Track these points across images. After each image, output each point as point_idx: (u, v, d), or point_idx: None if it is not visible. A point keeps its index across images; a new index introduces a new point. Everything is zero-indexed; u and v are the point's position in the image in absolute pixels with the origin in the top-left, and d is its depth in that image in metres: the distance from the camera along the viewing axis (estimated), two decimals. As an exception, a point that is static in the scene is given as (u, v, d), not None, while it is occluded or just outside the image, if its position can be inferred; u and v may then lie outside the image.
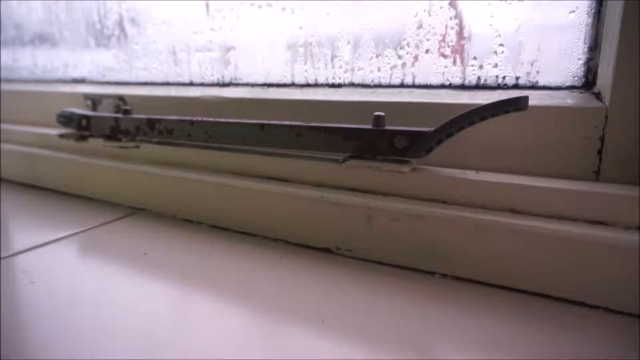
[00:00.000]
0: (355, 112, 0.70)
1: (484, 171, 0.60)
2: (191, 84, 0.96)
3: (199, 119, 0.77)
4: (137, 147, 0.86)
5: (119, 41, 1.06)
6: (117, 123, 0.87)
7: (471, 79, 0.68)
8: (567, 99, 0.57)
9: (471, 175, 0.58)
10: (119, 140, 0.89)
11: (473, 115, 0.56)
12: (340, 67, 0.78)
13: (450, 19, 0.67)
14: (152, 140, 0.85)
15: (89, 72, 1.14)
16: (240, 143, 0.73)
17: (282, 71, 0.84)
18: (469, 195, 0.57)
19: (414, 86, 0.72)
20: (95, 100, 1.04)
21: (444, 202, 0.59)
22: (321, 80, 0.80)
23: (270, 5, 0.81)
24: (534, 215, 0.53)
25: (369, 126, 0.63)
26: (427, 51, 0.70)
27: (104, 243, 0.71)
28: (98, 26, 1.09)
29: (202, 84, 0.94)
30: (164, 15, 0.97)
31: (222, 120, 0.74)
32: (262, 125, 0.70)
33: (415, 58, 0.71)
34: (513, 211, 0.55)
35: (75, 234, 0.75)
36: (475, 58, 0.67)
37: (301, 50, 0.81)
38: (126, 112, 0.87)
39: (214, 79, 0.93)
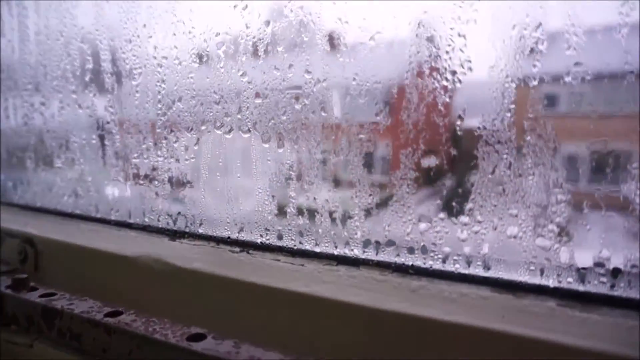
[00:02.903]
0: (392, 332, 0.40)
1: None
2: (129, 226, 0.65)
3: (122, 324, 0.46)
4: (30, 346, 0.54)
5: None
6: (1, 303, 0.55)
7: (599, 286, 0.38)
8: None
9: None
10: (6, 325, 0.56)
11: None
12: (356, 229, 0.48)
13: (554, 170, 0.38)
14: (51, 339, 0.53)
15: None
16: (188, 383, 0.42)
17: (265, 225, 0.54)
18: None
19: (487, 283, 0.42)
20: (-6, 238, 0.72)
21: None
22: (326, 247, 0.50)
23: (242, 129, 0.52)
24: None
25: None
26: (514, 230, 0.41)
27: None
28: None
29: (144, 228, 0.63)
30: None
31: (157, 338, 0.43)
32: (225, 367, 0.39)
33: (495, 229, 0.42)
34: None
35: None
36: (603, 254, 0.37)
37: (294, 200, 0.51)
38: (18, 284, 0.55)
39: (162, 223, 0.62)
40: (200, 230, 0.59)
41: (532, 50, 0.38)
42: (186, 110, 0.56)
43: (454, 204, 0.43)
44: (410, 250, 0.45)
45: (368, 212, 0.48)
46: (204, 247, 0.57)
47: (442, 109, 0.42)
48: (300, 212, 0.51)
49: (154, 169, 0.61)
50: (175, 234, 0.60)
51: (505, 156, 0.39)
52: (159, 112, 0.59)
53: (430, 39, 0.42)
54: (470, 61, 0.41)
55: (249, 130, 0.52)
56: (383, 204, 0.47)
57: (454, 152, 0.42)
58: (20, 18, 0.72)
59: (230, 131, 0.53)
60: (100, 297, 0.57)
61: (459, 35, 0.40)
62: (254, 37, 0.50)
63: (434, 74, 0.42)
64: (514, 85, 0.39)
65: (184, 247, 0.58)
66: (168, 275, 0.53)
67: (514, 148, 0.39)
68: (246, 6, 0.50)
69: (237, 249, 0.55)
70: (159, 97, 0.58)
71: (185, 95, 0.56)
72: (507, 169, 0.40)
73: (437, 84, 0.42)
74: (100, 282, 0.59)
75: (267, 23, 0.49)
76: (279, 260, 0.51)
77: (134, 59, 0.60)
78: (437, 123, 0.42)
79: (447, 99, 0.42)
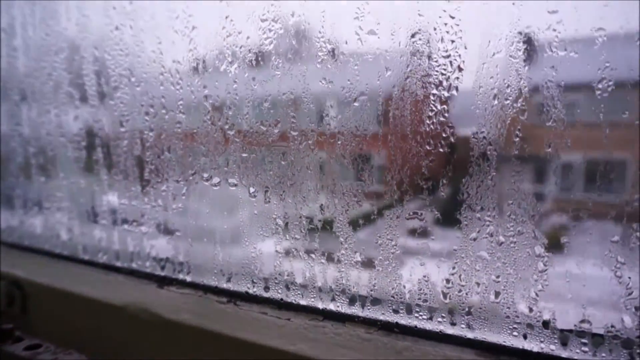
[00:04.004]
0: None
1: None
2: (118, 270, 0.65)
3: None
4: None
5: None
6: (-14, 355, 0.55)
7: (581, 354, 0.39)
8: None
9: None
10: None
11: None
12: (342, 285, 0.48)
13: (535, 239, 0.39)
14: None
15: None
16: None
17: (252, 277, 0.54)
18: None
19: (471, 345, 0.42)
20: (-19, 279, 0.72)
21: None
22: (312, 300, 0.50)
23: (229, 182, 0.52)
24: None
25: None
26: (497, 295, 0.41)
27: None
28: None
29: (132, 272, 0.63)
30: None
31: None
32: None
33: (478, 293, 0.42)
34: None
35: None
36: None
37: (280, 253, 0.51)
38: (2, 335, 0.55)
39: (149, 269, 0.62)
40: (188, 278, 0.58)
41: (513, 119, 0.39)
42: (175, 160, 0.57)
43: (438, 264, 0.43)
44: (396, 310, 0.45)
45: (354, 268, 0.48)
46: (191, 296, 0.57)
47: (425, 172, 0.42)
48: (286, 265, 0.51)
49: (142, 214, 0.61)
50: (163, 281, 0.60)
51: (487, 223, 0.40)
52: (147, 159, 0.59)
53: (414, 103, 0.42)
54: (452, 126, 0.41)
55: (236, 185, 0.52)
56: (369, 261, 0.47)
57: (437, 214, 0.43)
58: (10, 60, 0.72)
59: (217, 183, 0.53)
60: (86, 348, 0.57)
61: (441, 101, 0.41)
62: (241, 93, 0.50)
63: (417, 137, 0.42)
64: (495, 153, 0.39)
65: (171, 296, 0.57)
66: (154, 327, 0.53)
67: (496, 215, 0.40)
68: (232, 61, 0.50)
69: (224, 299, 0.55)
70: (147, 144, 0.58)
71: (173, 145, 0.56)
72: (490, 236, 0.40)
73: (420, 148, 0.42)
74: (86, 330, 0.59)
75: (254, 79, 0.49)
76: (265, 313, 0.51)
77: (122, 106, 0.60)
78: (421, 186, 0.43)
79: (430, 163, 0.42)
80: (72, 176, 0.67)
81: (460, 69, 0.40)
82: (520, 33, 0.37)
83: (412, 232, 0.44)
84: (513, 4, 0.37)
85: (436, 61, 0.41)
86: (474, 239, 0.40)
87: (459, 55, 0.40)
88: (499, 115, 0.39)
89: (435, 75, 0.41)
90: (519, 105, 0.38)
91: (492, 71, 0.39)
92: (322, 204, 0.48)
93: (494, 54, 0.39)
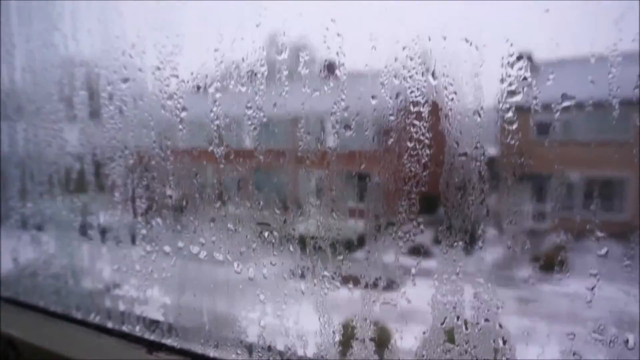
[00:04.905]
0: None
1: None
2: (109, 332, 0.66)
3: None
4: None
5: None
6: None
7: None
8: None
9: None
10: None
11: None
12: (319, 353, 0.50)
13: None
14: None
15: None
16: None
17: (237, 347, 0.55)
18: None
19: None
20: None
21: None
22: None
23: (215, 256, 0.55)
24: None
25: None
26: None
27: None
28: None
29: (123, 336, 0.65)
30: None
31: None
32: None
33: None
34: None
35: None
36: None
37: (264, 328, 0.53)
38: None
39: (139, 332, 0.64)
40: (176, 344, 0.60)
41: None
42: (163, 227, 0.59)
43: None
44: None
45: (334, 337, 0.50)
46: (180, 362, 0.58)
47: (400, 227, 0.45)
48: (270, 339, 0.53)
49: (133, 280, 0.63)
50: (152, 345, 0.62)
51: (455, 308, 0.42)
52: (139, 227, 0.61)
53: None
54: (426, 184, 0.43)
55: (222, 262, 0.54)
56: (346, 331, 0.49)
57: (409, 298, 0.45)
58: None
59: (204, 256, 0.56)
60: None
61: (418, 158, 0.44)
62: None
63: (395, 195, 0.45)
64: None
65: (160, 362, 0.59)
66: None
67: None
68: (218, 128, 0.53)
69: (216, 368, 0.56)
70: (140, 211, 0.61)
71: (163, 211, 0.59)
72: (457, 320, 0.42)
73: (398, 203, 0.44)
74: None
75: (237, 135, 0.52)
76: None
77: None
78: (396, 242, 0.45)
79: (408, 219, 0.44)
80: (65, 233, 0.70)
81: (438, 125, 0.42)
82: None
83: (387, 304, 0.46)
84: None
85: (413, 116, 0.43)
86: (442, 324, 0.42)
87: (436, 112, 0.42)
88: (471, 173, 0.41)
89: (414, 131, 0.43)
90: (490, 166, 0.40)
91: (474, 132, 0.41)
92: (301, 286, 0.50)
93: (473, 113, 0.41)
